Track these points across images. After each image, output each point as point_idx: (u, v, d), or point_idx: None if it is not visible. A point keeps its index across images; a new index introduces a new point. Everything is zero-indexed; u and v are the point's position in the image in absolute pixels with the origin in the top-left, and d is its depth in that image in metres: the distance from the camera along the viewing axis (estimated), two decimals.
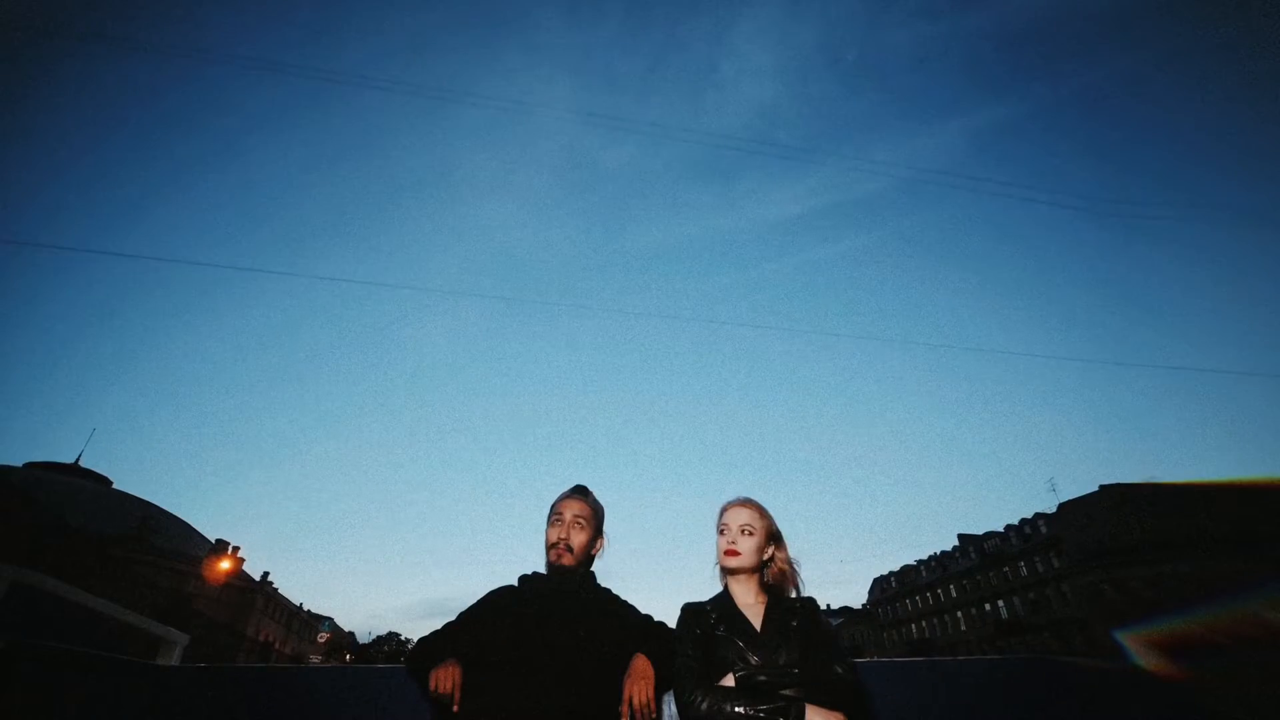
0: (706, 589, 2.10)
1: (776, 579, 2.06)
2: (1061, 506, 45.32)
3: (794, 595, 2.04)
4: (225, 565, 33.02)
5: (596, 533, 2.22)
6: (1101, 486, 42.89)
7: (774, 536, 2.08)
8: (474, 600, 2.13)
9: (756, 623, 1.92)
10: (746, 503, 2.11)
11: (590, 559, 2.20)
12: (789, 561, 2.07)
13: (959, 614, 54.83)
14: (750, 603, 1.99)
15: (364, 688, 2.20)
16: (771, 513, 2.11)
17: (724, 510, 2.10)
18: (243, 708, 2.18)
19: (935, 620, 57.54)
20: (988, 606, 51.61)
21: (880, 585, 68.53)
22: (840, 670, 1.77)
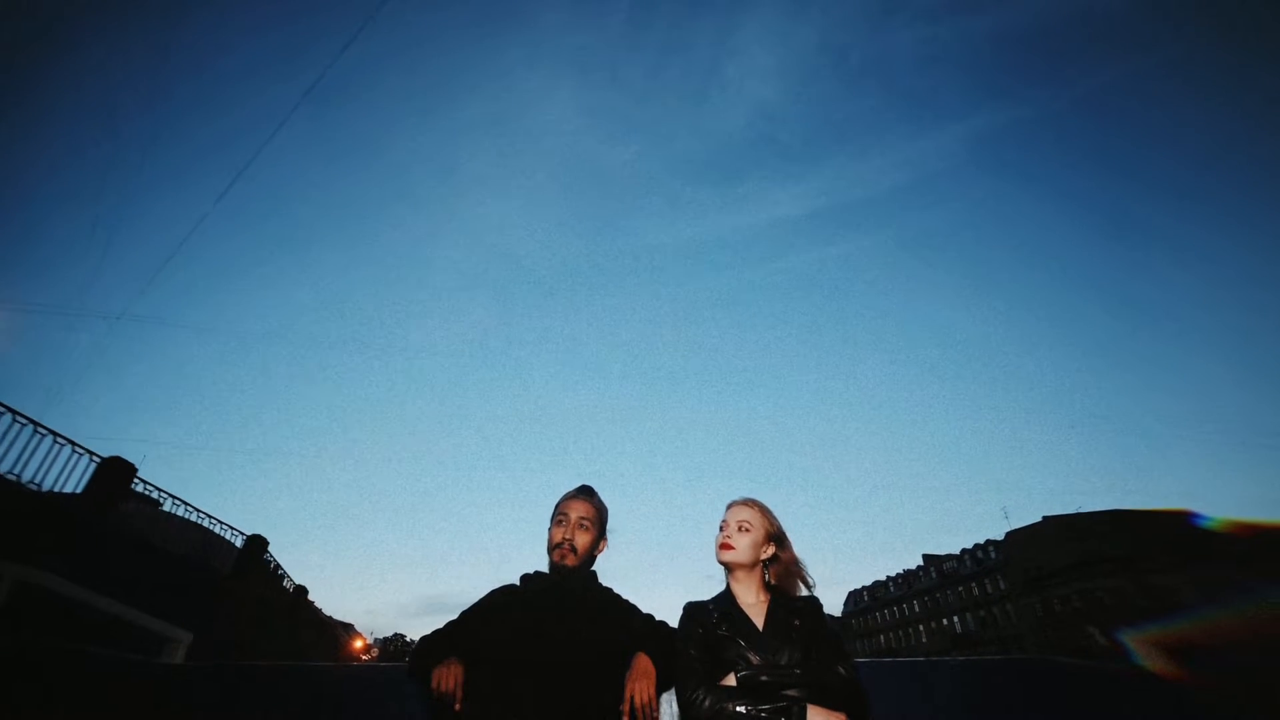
0: (708, 589, 1.88)
1: (780, 579, 1.83)
2: (1008, 534, 44.74)
3: (799, 595, 1.81)
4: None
5: (600, 534, 1.98)
6: (1045, 517, 42.44)
7: (776, 537, 1.86)
8: (474, 598, 1.90)
9: (759, 622, 1.69)
10: (748, 502, 1.91)
11: (593, 559, 1.96)
12: (794, 562, 1.85)
13: (920, 627, 53.34)
14: (752, 602, 1.77)
15: (366, 685, 1.93)
16: (777, 514, 1.91)
17: (726, 508, 1.92)
18: (246, 705, 1.90)
19: (901, 632, 55.84)
20: (945, 621, 50.37)
21: (855, 598, 66.49)
22: (843, 671, 1.56)
